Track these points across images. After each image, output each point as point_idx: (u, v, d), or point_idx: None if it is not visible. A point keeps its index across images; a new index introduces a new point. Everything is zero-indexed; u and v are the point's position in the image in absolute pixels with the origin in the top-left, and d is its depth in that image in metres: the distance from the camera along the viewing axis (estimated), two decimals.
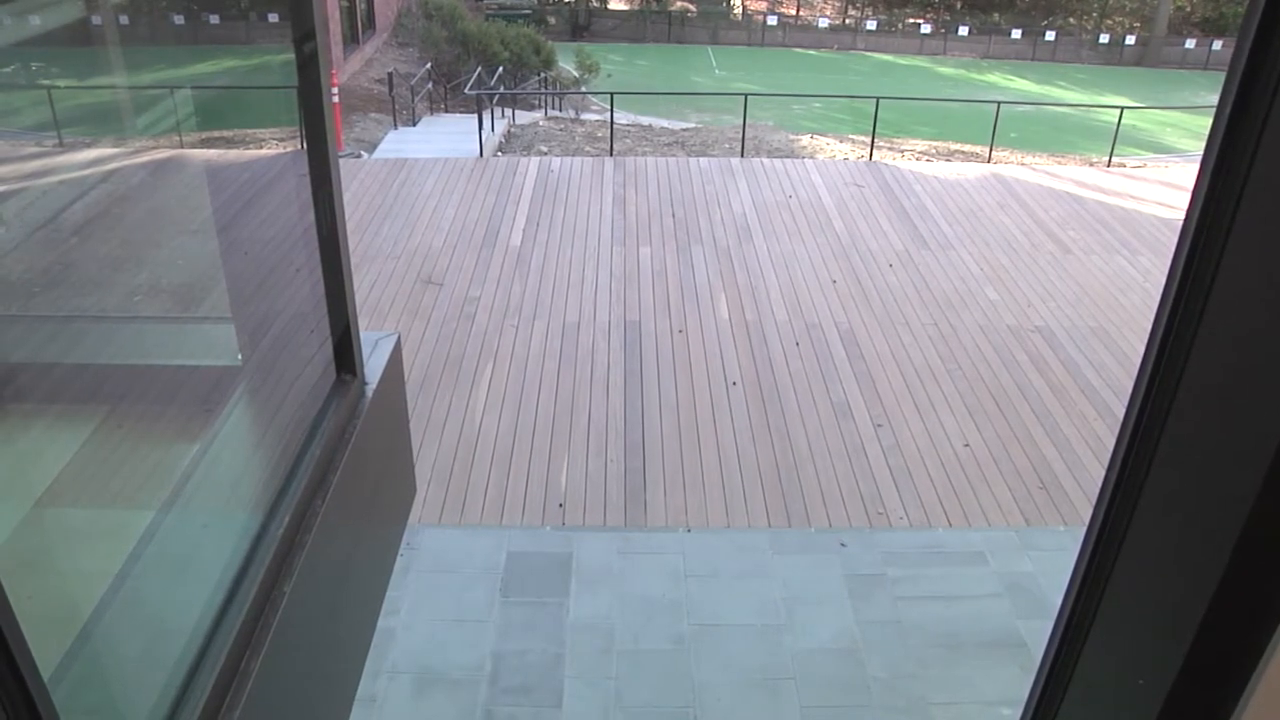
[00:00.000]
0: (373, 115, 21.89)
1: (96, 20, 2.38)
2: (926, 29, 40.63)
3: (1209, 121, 1.09)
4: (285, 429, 2.58)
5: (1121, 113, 17.80)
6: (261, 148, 3.19)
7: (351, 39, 26.70)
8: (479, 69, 22.17)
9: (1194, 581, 1.11)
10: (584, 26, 40.66)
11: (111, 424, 2.29)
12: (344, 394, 2.76)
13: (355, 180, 13.90)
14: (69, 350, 2.37)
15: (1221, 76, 1.06)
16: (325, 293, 2.66)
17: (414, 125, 21.29)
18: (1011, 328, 10.25)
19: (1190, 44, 38.59)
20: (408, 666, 5.97)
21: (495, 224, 12.62)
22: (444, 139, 18.69)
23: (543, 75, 26.78)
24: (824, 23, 41.92)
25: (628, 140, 20.53)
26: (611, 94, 20.26)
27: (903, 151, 20.63)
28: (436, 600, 6.48)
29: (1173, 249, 1.14)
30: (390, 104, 21.95)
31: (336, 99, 17.64)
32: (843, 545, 7.06)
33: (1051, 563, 6.82)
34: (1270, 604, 1.06)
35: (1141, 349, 1.21)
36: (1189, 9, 41.28)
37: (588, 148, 19.27)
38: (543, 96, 25.52)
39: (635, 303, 10.58)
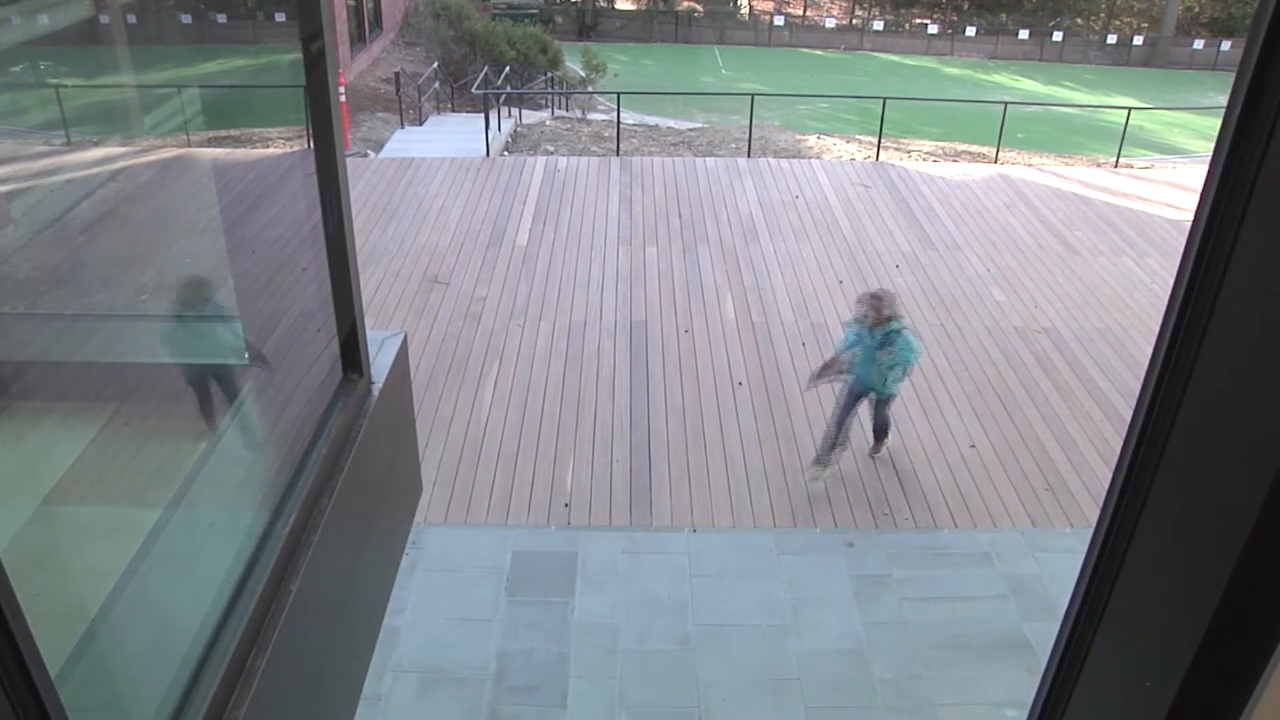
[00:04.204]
0: (379, 114, 21.92)
1: (104, 19, 2.39)
2: (933, 29, 40.56)
3: (1217, 122, 1.08)
4: (291, 428, 2.58)
5: (1129, 113, 17.76)
6: (268, 147, 3.20)
7: (359, 38, 26.74)
8: (486, 68, 22.19)
9: (1201, 584, 1.11)
10: (591, 26, 40.66)
11: (118, 422, 2.30)
12: (350, 393, 2.76)
13: (362, 179, 13.92)
14: (76, 348, 2.38)
15: (1230, 77, 1.05)
16: (332, 292, 2.67)
17: (420, 125, 21.31)
18: (1018, 329, 10.23)
19: (1198, 44, 38.48)
20: (413, 665, 5.97)
21: (501, 224, 12.63)
22: (450, 138, 18.71)
23: (549, 75, 26.79)
24: (831, 23, 41.88)
25: (634, 140, 20.53)
26: (618, 94, 20.26)
27: (909, 152, 20.60)
28: (442, 599, 6.48)
29: (1180, 250, 1.14)
30: (397, 103, 21.99)
31: (343, 98, 17.67)
32: (850, 546, 7.05)
33: (1058, 564, 6.80)
34: (1278, 607, 1.05)
35: (1148, 351, 1.21)
36: (1197, 9, 41.16)
37: (594, 147, 19.28)
38: (549, 96, 25.53)
39: (641, 303, 10.58)
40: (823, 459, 7.62)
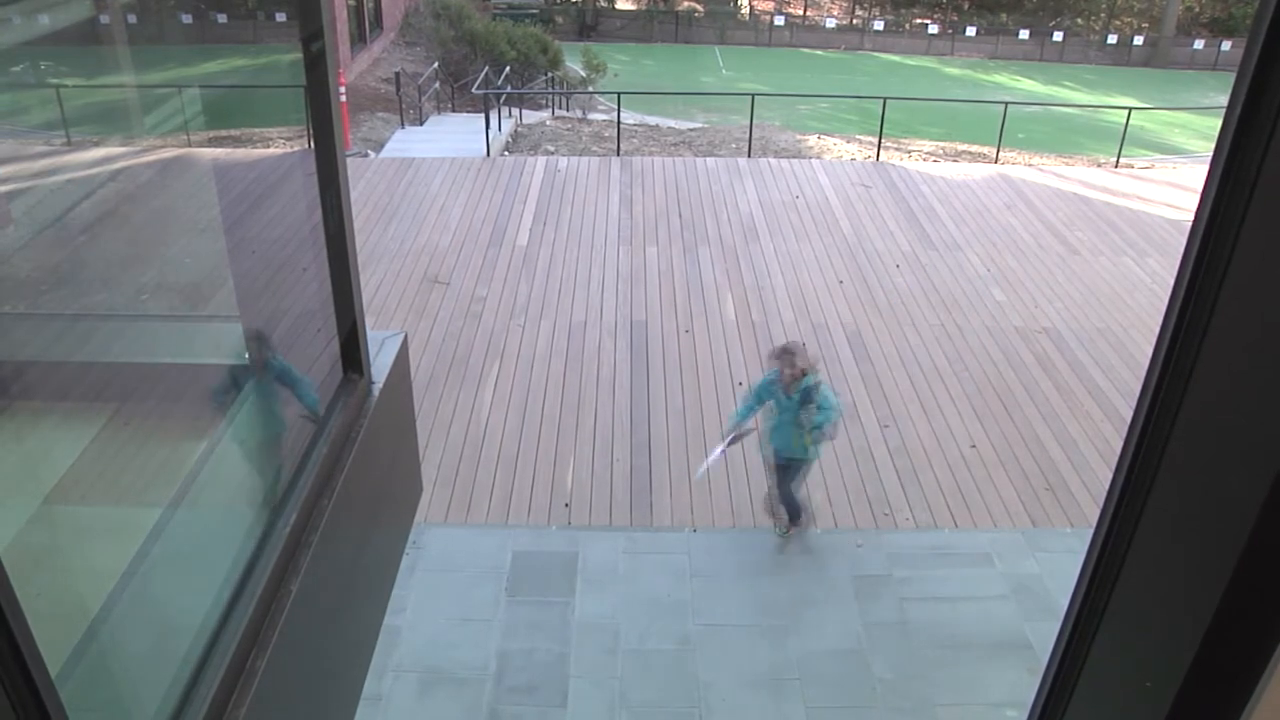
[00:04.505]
0: (380, 114, 21.92)
1: (104, 19, 2.39)
2: (934, 29, 40.56)
3: (1217, 122, 1.08)
4: (292, 428, 2.58)
5: (1129, 113, 17.75)
6: (269, 147, 3.20)
7: (359, 38, 26.74)
8: (486, 68, 22.19)
9: (1201, 584, 1.11)
10: (591, 26, 40.66)
11: (118, 422, 2.30)
12: (351, 393, 2.76)
13: (362, 179, 13.92)
14: (77, 348, 2.38)
15: (1230, 77, 1.05)
16: (332, 292, 2.67)
17: (421, 125, 21.31)
18: (1018, 329, 10.22)
19: (1199, 44, 38.48)
20: (413, 665, 5.97)
21: (502, 223, 12.63)
22: (451, 138, 18.71)
23: (550, 75, 26.79)
24: (831, 23, 41.88)
25: (634, 140, 20.52)
26: (619, 94, 20.25)
27: (910, 152, 20.59)
28: (442, 599, 6.48)
29: (1181, 250, 1.14)
30: (397, 103, 21.99)
31: (343, 98, 17.66)
32: (859, 546, 7.05)
33: (1058, 564, 6.80)
34: (1278, 607, 1.05)
35: (1149, 350, 1.21)
36: (1197, 9, 41.15)
37: (594, 147, 19.27)
38: (550, 96, 25.53)
39: (642, 303, 10.58)
40: (798, 519, 6.95)
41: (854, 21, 42.19)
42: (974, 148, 21.21)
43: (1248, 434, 1.05)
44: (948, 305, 10.69)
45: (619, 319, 10.21)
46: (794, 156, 18.23)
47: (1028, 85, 35.42)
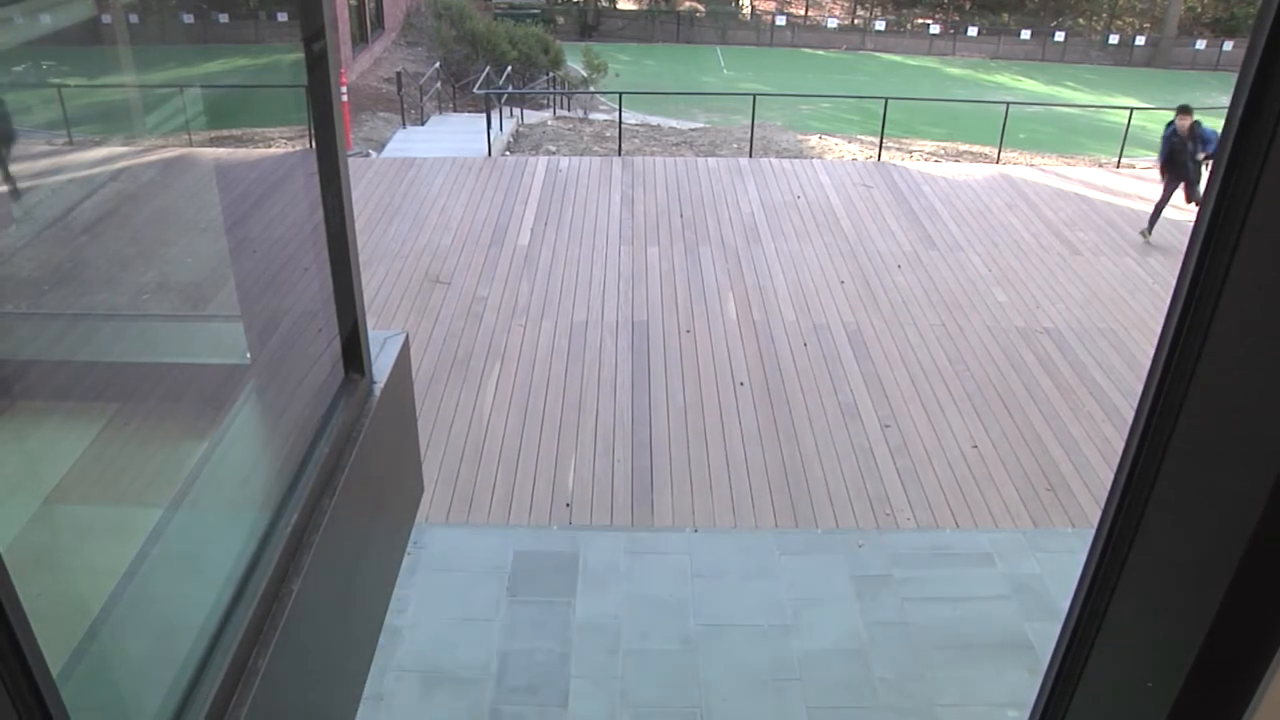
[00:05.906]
0: (381, 114, 21.93)
1: (106, 19, 2.39)
2: (935, 29, 40.55)
3: (1219, 123, 1.08)
4: (293, 428, 2.58)
5: (1131, 113, 17.75)
6: (270, 146, 3.20)
7: (360, 38, 26.76)
8: (487, 68, 22.19)
9: (1203, 584, 1.11)
10: (592, 26, 40.66)
11: (119, 421, 2.30)
12: (352, 393, 2.76)
13: (363, 179, 13.92)
14: (78, 348, 2.38)
15: (1232, 77, 1.05)
16: (334, 291, 2.67)
17: (422, 124, 21.32)
18: (1020, 329, 10.22)
19: (1201, 45, 38.46)
20: (415, 665, 5.97)
21: (503, 223, 12.63)
22: (452, 138, 18.72)
23: (551, 75, 26.79)
24: (832, 23, 41.87)
25: (636, 140, 20.53)
26: (620, 94, 20.24)
27: (911, 152, 20.58)
28: (443, 599, 6.48)
29: (1182, 250, 1.13)
30: (399, 103, 22.00)
31: (345, 98, 17.66)
32: (860, 546, 7.05)
33: (1059, 565, 6.80)
34: (1279, 607, 1.05)
35: (1150, 351, 1.21)
36: (1199, 9, 41.13)
37: (596, 147, 19.27)
38: (551, 96, 25.53)
39: (643, 302, 10.57)
40: None
41: (855, 21, 42.20)
42: (975, 148, 21.20)
43: (1249, 434, 1.05)
44: (949, 305, 10.68)
45: (620, 319, 10.21)
46: (795, 156, 18.23)
47: (1029, 85, 35.41)
